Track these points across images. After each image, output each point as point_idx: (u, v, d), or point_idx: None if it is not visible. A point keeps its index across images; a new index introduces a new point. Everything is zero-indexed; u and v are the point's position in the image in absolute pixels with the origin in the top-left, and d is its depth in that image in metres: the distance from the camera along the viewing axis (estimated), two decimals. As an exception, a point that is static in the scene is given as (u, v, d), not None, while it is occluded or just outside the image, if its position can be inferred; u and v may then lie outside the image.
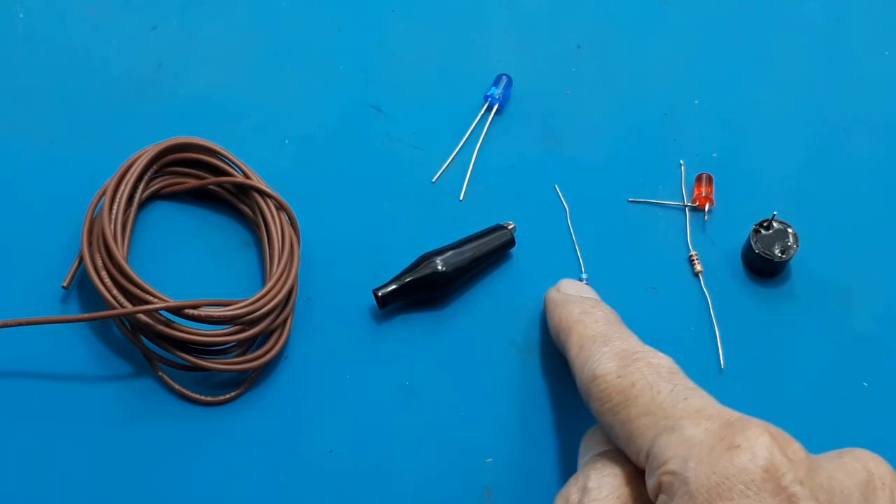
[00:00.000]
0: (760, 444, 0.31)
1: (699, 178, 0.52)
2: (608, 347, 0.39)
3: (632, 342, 0.40)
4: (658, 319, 0.49)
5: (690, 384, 0.36)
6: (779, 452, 0.31)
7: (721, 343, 0.48)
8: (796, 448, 0.32)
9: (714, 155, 0.54)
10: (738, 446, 0.31)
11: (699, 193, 0.52)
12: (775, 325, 0.50)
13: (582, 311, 0.43)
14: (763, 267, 0.50)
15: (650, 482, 0.34)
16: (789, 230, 0.50)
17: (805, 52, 0.59)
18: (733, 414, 0.34)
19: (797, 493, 0.30)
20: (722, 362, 0.48)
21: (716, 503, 0.31)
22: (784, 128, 0.56)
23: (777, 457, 0.31)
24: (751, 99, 0.57)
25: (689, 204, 0.52)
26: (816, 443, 0.47)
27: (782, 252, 0.49)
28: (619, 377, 0.37)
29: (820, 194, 0.54)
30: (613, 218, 0.52)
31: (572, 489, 0.36)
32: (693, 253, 0.50)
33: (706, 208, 0.52)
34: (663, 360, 0.38)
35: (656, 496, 0.33)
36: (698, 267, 0.50)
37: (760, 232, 0.50)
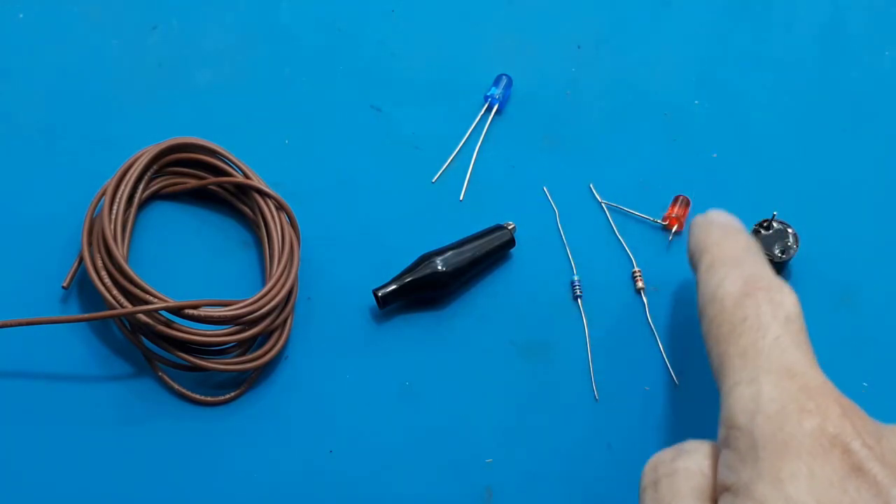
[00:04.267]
0: (832, 411, 0.31)
1: (676, 199, 0.52)
2: (738, 270, 0.38)
3: (764, 271, 0.38)
4: (657, 320, 0.49)
5: (801, 336, 0.35)
6: (848, 421, 0.31)
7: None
8: (865, 418, 0.32)
9: (714, 155, 0.54)
10: (809, 411, 0.31)
11: (671, 213, 0.51)
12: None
13: (723, 234, 0.42)
14: (763, 267, 0.50)
15: (721, 432, 0.33)
16: (789, 230, 0.50)
17: (805, 52, 0.59)
18: (817, 379, 0.33)
19: (864, 458, 0.30)
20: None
21: (782, 459, 0.30)
22: (784, 128, 0.56)
23: (846, 424, 0.31)
24: (751, 99, 0.57)
25: (659, 221, 0.51)
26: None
27: (782, 252, 0.49)
28: (735, 305, 0.36)
29: (820, 194, 0.54)
30: (614, 219, 0.52)
31: (667, 451, 0.35)
32: (636, 270, 0.50)
33: (673, 230, 0.51)
34: (787, 299, 0.36)
35: (725, 447, 0.33)
36: (640, 284, 0.49)
37: (760, 232, 0.50)
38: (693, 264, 0.42)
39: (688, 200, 0.52)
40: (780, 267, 0.50)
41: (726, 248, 0.40)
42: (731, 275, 0.38)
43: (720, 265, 0.39)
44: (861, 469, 0.29)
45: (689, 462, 0.34)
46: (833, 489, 0.29)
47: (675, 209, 0.51)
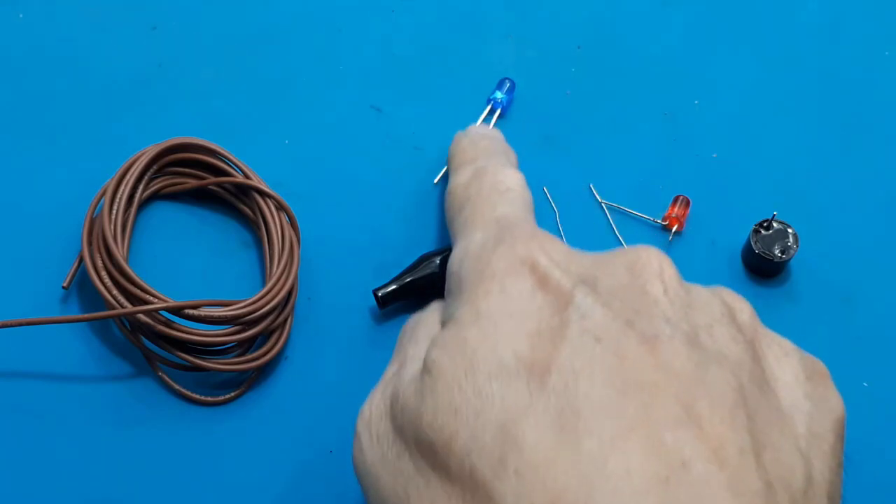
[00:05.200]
0: (523, 237, 0.33)
1: (676, 199, 0.52)
2: (471, 165, 0.43)
3: (491, 162, 0.44)
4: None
5: (519, 202, 0.39)
6: (536, 243, 0.32)
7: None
8: (558, 243, 0.33)
9: (714, 155, 0.54)
10: (504, 240, 0.33)
11: (671, 213, 0.51)
12: (775, 325, 0.50)
13: (469, 141, 0.47)
14: (763, 267, 0.50)
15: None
16: (789, 230, 0.50)
17: (805, 52, 0.59)
18: (526, 224, 0.36)
19: (548, 269, 0.31)
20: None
21: (479, 285, 0.31)
22: (784, 128, 0.56)
23: (534, 245, 0.32)
24: (751, 99, 0.57)
25: (659, 221, 0.51)
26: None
27: (782, 252, 0.49)
28: (464, 189, 0.41)
29: (820, 194, 0.54)
30: (614, 219, 0.52)
31: (393, 363, 0.37)
32: None
33: (673, 230, 0.51)
34: (509, 177, 0.41)
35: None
36: None
37: (760, 232, 0.50)
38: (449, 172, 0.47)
39: (688, 200, 0.52)
40: (780, 267, 0.50)
41: (469, 152, 0.46)
42: (465, 169, 0.43)
43: (459, 166, 0.45)
44: (546, 278, 0.31)
45: (428, 315, 0.37)
46: (521, 300, 0.30)
47: (676, 209, 0.51)
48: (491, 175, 0.41)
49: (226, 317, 0.44)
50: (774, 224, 0.50)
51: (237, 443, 0.45)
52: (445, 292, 0.36)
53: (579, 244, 0.51)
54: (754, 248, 0.49)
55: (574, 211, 0.52)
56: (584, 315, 0.29)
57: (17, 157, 0.51)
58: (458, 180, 0.42)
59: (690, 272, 0.53)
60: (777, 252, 0.49)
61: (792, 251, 0.49)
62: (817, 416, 0.30)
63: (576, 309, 0.29)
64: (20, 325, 0.44)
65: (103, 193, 0.47)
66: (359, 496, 0.44)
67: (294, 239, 0.48)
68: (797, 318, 0.50)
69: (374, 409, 0.33)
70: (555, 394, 0.27)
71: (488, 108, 0.54)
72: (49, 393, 0.45)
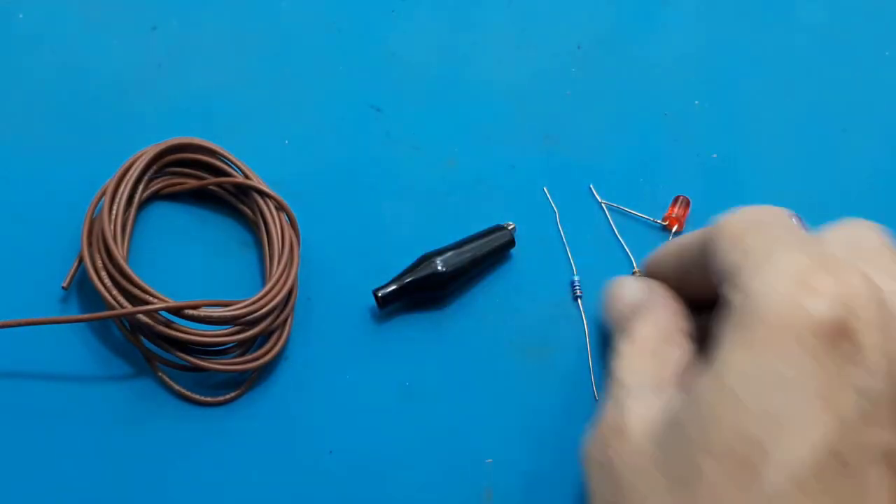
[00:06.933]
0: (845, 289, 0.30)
1: (676, 199, 0.52)
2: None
3: None
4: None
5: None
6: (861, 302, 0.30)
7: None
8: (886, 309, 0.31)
9: (714, 155, 0.54)
10: (817, 289, 0.30)
11: (671, 213, 0.51)
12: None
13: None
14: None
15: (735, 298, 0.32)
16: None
17: (805, 52, 0.59)
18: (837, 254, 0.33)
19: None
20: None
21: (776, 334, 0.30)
22: (784, 128, 0.56)
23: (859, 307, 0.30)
24: (751, 99, 0.57)
25: (659, 221, 0.51)
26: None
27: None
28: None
29: (820, 194, 0.54)
30: (614, 219, 0.52)
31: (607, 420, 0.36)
32: (636, 270, 0.50)
33: (673, 230, 0.51)
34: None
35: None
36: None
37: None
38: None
39: (688, 200, 0.52)
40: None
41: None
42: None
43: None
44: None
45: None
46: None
47: (676, 209, 0.51)
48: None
49: (226, 317, 0.44)
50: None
51: (237, 443, 0.45)
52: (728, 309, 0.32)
53: (579, 244, 0.51)
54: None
55: (574, 211, 0.52)
56: None
57: (17, 157, 0.51)
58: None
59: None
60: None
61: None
62: None
63: None
64: (20, 325, 0.44)
65: (103, 193, 0.47)
66: (359, 496, 0.45)
67: (294, 239, 0.48)
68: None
69: None
70: None
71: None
72: (49, 393, 0.45)
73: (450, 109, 0.55)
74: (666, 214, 0.52)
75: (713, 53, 0.58)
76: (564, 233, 0.51)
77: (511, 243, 0.50)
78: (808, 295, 0.30)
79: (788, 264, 0.31)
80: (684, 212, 0.51)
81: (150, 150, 0.49)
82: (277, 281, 0.46)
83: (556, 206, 0.52)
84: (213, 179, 0.50)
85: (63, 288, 0.47)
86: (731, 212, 0.37)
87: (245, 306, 0.45)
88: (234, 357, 0.46)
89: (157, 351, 0.45)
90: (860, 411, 0.29)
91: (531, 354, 0.48)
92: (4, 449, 0.44)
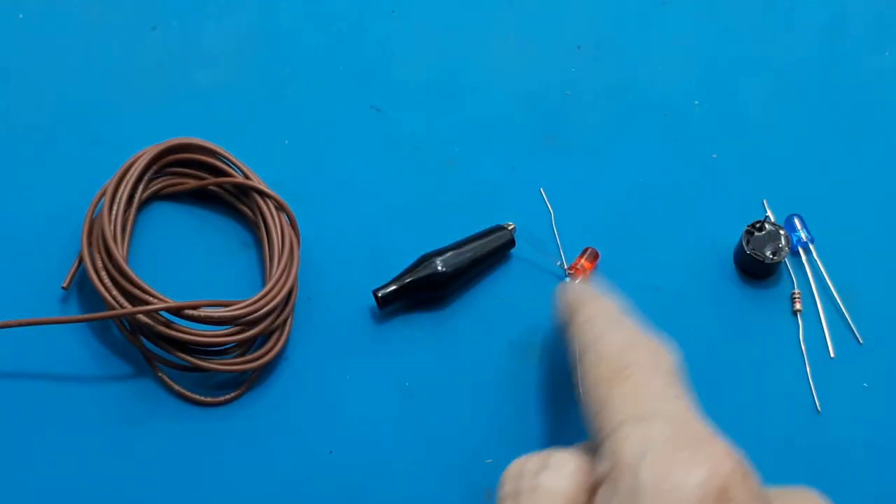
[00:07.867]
0: (721, 466, 0.31)
1: (585, 251, 0.50)
2: (618, 325, 0.40)
3: (642, 329, 0.40)
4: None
5: (684, 389, 0.36)
6: (737, 479, 0.31)
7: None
8: (752, 479, 0.32)
9: (714, 155, 0.54)
10: (699, 463, 0.31)
11: (577, 263, 0.50)
12: (769, 326, 0.50)
13: (595, 295, 0.43)
14: (754, 268, 0.50)
15: (601, 466, 0.33)
16: (781, 232, 0.50)
17: (805, 52, 0.59)
18: (706, 430, 0.33)
19: None
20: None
21: None
22: (784, 128, 0.56)
23: (734, 483, 0.31)
24: (751, 99, 0.57)
25: (565, 268, 0.50)
26: (815, 443, 0.47)
27: (773, 254, 0.49)
28: (618, 353, 0.37)
29: (819, 194, 0.54)
30: (614, 219, 0.52)
31: (532, 460, 0.36)
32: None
33: (577, 280, 0.49)
34: (668, 356, 0.38)
35: (600, 482, 0.33)
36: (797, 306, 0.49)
37: (753, 233, 0.50)
38: (566, 318, 0.43)
39: (596, 253, 0.50)
40: (771, 268, 0.50)
41: (603, 306, 0.42)
42: (612, 328, 0.39)
43: (600, 319, 0.40)
44: None
45: (553, 481, 0.35)
46: None
47: (582, 261, 0.50)
48: (646, 346, 0.38)
49: (226, 317, 0.44)
50: (767, 226, 0.50)
51: (237, 443, 0.45)
52: (606, 475, 0.33)
53: (578, 244, 0.51)
54: (746, 249, 0.49)
55: (572, 211, 0.52)
56: None
57: (17, 157, 0.51)
58: (609, 338, 0.39)
59: (690, 272, 0.53)
60: (768, 253, 0.49)
61: (783, 252, 0.49)
62: None
63: None
64: (20, 325, 0.44)
65: (103, 194, 0.47)
66: (359, 496, 0.45)
67: (294, 239, 0.48)
68: (795, 319, 0.50)
69: None
70: None
71: (800, 250, 0.51)
72: (49, 393, 0.45)
73: (450, 109, 0.55)
74: (573, 264, 0.50)
75: (713, 53, 0.58)
76: (560, 234, 0.51)
77: (511, 243, 0.50)
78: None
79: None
80: (591, 265, 0.49)
81: (150, 151, 0.49)
82: (277, 281, 0.46)
83: (553, 207, 0.52)
84: (213, 179, 0.50)
85: (63, 288, 0.47)
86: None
87: (245, 306, 0.45)
88: (234, 357, 0.46)
89: (157, 351, 0.45)
90: None
91: (531, 355, 0.48)
92: (5, 448, 0.44)
